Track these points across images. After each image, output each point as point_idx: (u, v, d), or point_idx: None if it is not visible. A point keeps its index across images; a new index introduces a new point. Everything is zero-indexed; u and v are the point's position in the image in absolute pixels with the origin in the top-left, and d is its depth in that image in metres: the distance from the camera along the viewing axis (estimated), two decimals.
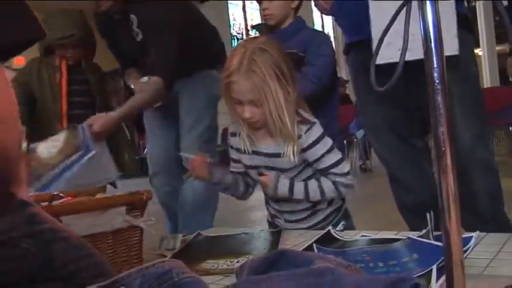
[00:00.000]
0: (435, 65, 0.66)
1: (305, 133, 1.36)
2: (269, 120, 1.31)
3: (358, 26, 1.72)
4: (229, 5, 11.63)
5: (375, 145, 1.89)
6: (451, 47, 1.42)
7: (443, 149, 0.66)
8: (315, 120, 1.40)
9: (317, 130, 1.38)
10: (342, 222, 1.40)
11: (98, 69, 2.49)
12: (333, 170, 1.39)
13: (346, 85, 8.14)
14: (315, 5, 1.96)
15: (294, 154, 1.35)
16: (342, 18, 1.80)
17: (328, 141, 1.38)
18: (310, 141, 1.36)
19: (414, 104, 1.64)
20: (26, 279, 0.66)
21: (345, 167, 1.39)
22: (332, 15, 1.84)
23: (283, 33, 1.95)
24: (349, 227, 1.46)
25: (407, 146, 1.78)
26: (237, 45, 1.35)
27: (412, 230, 1.61)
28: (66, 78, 2.32)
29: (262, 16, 1.98)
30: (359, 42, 1.71)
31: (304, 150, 1.37)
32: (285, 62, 1.32)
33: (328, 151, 1.38)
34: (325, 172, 1.41)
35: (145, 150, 8.24)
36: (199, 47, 2.15)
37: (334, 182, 1.40)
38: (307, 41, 1.92)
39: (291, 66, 1.35)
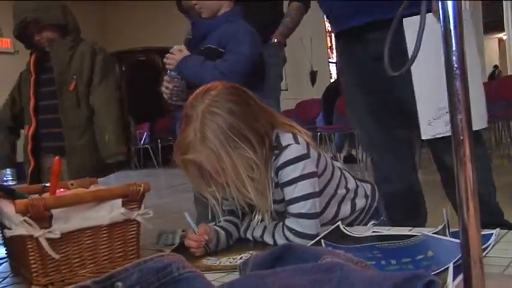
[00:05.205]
0: (454, 48, 0.66)
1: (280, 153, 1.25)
2: (233, 194, 1.23)
3: (346, 14, 1.80)
4: None
5: (358, 134, 2.08)
6: None
7: (462, 138, 0.66)
8: (295, 142, 1.25)
9: (292, 151, 1.24)
10: (372, 222, 1.40)
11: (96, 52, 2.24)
12: (290, 207, 1.25)
13: None
14: None
15: (268, 218, 1.28)
16: (328, 7, 1.89)
17: (300, 168, 1.23)
18: (280, 163, 1.24)
19: (397, 96, 1.79)
20: None
21: (306, 205, 1.22)
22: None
23: (208, 25, 1.89)
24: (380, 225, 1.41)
25: (389, 135, 1.92)
26: (187, 106, 1.23)
27: (390, 222, 1.64)
28: (34, 78, 2.27)
29: (197, 10, 1.93)
30: (347, 31, 1.86)
31: (276, 171, 1.26)
32: (241, 117, 1.20)
33: (294, 180, 1.23)
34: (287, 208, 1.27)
35: (142, 141, 8.30)
36: None
37: (283, 226, 1.25)
38: (228, 37, 1.83)
39: (254, 110, 1.25)
